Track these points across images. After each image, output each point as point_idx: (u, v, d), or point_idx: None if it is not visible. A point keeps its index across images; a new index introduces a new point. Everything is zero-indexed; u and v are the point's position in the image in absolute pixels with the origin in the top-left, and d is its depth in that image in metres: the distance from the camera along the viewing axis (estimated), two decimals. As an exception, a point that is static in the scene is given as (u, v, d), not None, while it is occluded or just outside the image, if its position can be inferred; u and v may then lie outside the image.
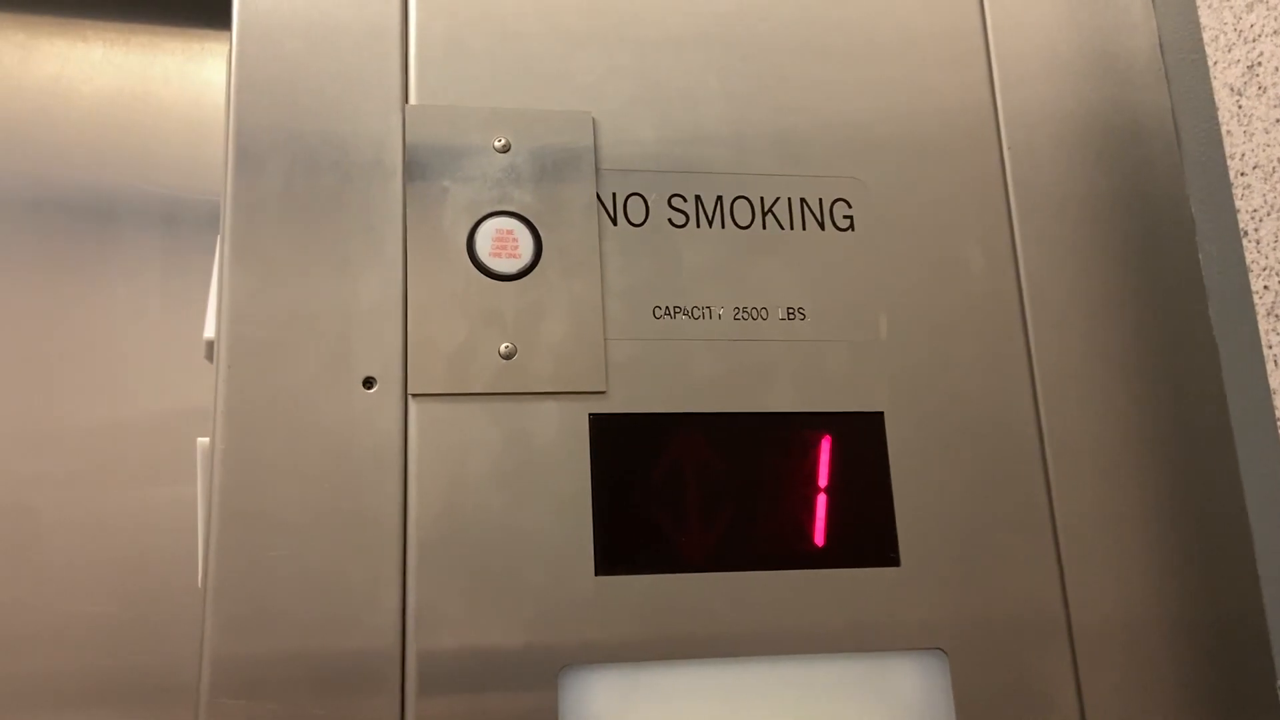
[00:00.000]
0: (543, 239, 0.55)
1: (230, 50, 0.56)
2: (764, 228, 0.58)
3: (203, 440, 0.52)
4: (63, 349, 0.80)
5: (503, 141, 0.56)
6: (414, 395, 0.52)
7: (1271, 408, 0.53)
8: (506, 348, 0.53)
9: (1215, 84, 0.57)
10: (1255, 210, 0.54)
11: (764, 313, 0.57)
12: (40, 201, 0.84)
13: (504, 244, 0.55)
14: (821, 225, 0.59)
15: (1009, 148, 0.62)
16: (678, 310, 0.56)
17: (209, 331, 0.54)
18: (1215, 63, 0.57)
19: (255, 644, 0.47)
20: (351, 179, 0.54)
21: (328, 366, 0.51)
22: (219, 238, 0.53)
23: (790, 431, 0.55)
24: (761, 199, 0.58)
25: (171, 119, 0.88)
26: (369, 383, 0.52)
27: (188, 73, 0.90)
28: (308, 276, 0.53)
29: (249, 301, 0.52)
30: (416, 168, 0.55)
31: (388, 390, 0.52)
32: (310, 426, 0.50)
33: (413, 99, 0.56)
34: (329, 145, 0.55)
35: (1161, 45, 0.62)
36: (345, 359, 0.52)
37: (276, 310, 0.52)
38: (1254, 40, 0.54)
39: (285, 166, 0.54)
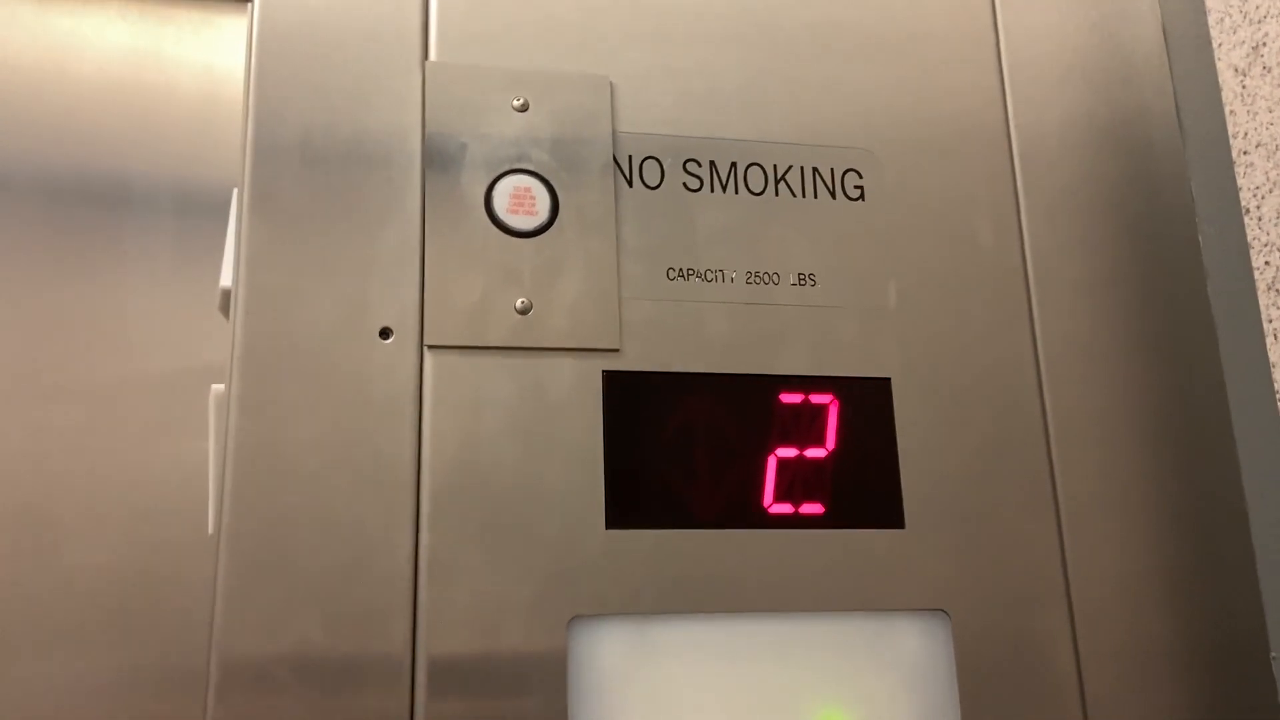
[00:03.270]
0: (559, 198, 0.56)
1: (252, 5, 0.56)
2: (776, 195, 0.59)
3: (217, 387, 0.52)
4: (74, 308, 0.81)
5: (521, 101, 0.57)
6: (430, 347, 0.52)
7: (1271, 382, 0.55)
8: (522, 303, 0.54)
9: (1220, 65, 0.58)
10: (1257, 187, 0.55)
11: (775, 277, 0.57)
12: (52, 167, 0.84)
13: (521, 201, 0.55)
14: (833, 194, 0.60)
15: (1016, 129, 0.63)
16: (691, 272, 0.57)
17: (225, 280, 0.54)
18: (1220, 44, 0.58)
19: (269, 588, 0.48)
20: (371, 133, 0.55)
21: (345, 316, 0.52)
22: (236, 188, 0.53)
23: (799, 394, 0.56)
24: (775, 166, 0.59)
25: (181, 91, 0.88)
26: (385, 333, 0.52)
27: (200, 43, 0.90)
28: (326, 226, 0.53)
29: (267, 249, 0.52)
30: (435, 124, 0.55)
31: (404, 341, 0.52)
32: (326, 374, 0.51)
33: (433, 56, 0.56)
34: (349, 100, 0.55)
35: (1165, 28, 0.63)
36: (362, 309, 0.52)
37: (294, 258, 0.52)
38: (1259, 21, 0.55)
39: (305, 118, 0.54)
